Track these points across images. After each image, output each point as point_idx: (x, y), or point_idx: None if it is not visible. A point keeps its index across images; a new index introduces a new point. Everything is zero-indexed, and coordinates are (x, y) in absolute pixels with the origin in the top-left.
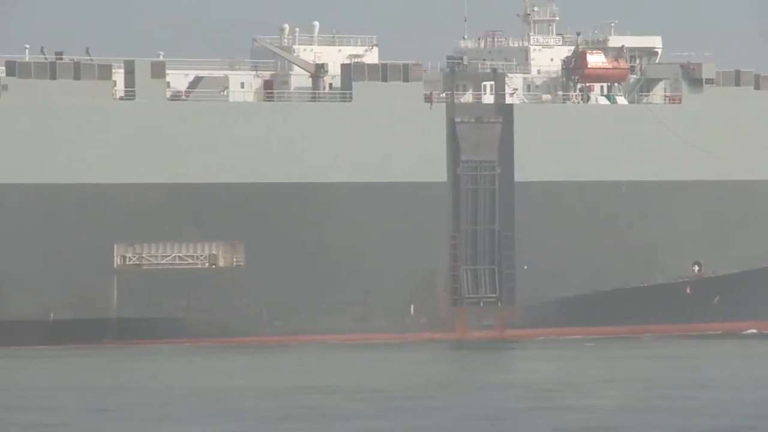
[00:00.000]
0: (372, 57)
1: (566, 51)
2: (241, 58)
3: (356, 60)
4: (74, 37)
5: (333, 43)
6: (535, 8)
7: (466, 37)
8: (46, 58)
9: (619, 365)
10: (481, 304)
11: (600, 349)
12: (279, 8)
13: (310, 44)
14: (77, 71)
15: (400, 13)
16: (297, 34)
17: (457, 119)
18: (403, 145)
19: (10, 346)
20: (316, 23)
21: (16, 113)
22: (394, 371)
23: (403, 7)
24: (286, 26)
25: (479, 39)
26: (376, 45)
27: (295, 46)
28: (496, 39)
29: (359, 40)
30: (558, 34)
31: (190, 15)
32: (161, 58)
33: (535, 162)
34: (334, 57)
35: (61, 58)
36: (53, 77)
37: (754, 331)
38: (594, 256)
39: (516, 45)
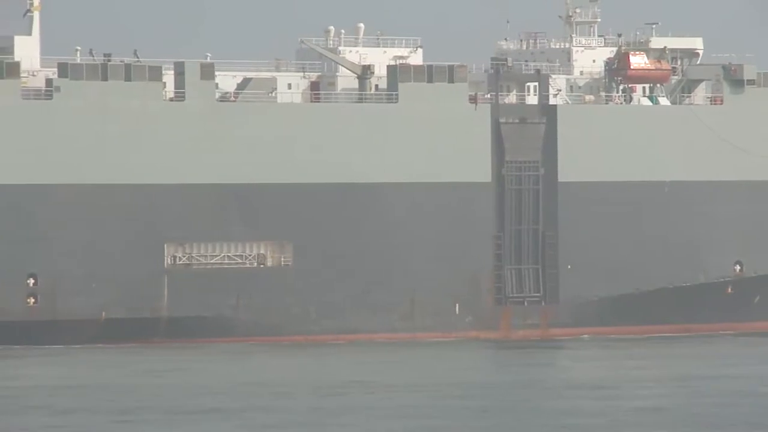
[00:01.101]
0: (416, 58)
1: (608, 52)
2: (286, 59)
3: (401, 61)
4: (121, 39)
5: (378, 45)
6: (577, 10)
7: (508, 38)
8: (95, 60)
9: (679, 363)
10: (525, 304)
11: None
12: (323, 10)
13: (355, 46)
14: (128, 73)
15: (442, 14)
16: (342, 35)
17: (502, 120)
18: (449, 146)
19: (62, 345)
20: (362, 25)
21: (68, 114)
22: (459, 369)
23: (445, 8)
24: (332, 28)
25: (521, 40)
26: (421, 46)
27: (340, 48)
28: (538, 40)
29: (404, 41)
30: (599, 36)
31: (234, 17)
32: (208, 60)
33: (578, 162)
34: (379, 58)
35: (110, 60)
36: (105, 78)
37: None
38: (637, 255)
39: (558, 46)
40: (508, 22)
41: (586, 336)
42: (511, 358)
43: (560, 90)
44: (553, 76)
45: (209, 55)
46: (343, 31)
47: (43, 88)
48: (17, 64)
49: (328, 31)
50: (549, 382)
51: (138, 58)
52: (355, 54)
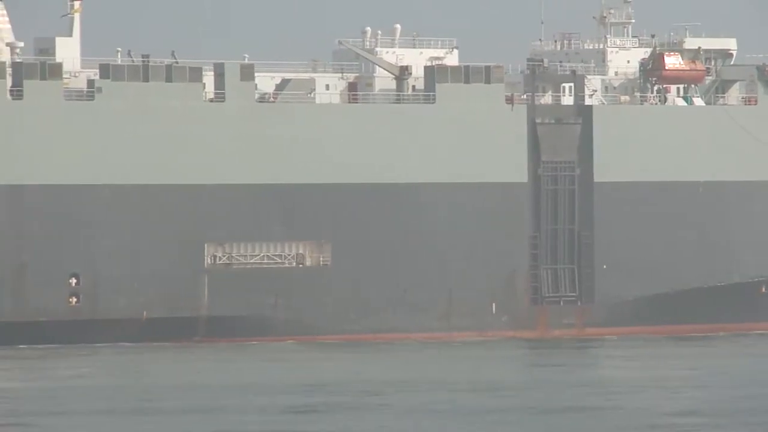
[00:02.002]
0: (452, 59)
1: (642, 53)
2: (322, 60)
3: (437, 62)
4: (158, 40)
5: (413, 46)
6: (611, 11)
7: (542, 39)
8: (133, 61)
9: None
10: (561, 303)
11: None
12: (358, 11)
13: (392, 47)
14: (169, 74)
15: (476, 15)
16: (379, 36)
17: (538, 120)
18: (485, 146)
19: (104, 344)
20: (398, 26)
21: (110, 115)
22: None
23: (479, 9)
24: (368, 29)
25: (555, 41)
26: (457, 47)
27: (377, 49)
28: (572, 41)
29: (439, 42)
30: (633, 37)
31: (270, 18)
32: (246, 61)
33: (614, 162)
34: (416, 59)
35: (148, 61)
36: (146, 79)
37: None
38: (672, 255)
39: (592, 47)
40: (542, 22)
41: (614, 336)
42: (559, 358)
43: (596, 90)
44: (588, 76)
45: (247, 56)
46: (379, 32)
47: (85, 89)
48: (59, 65)
49: (364, 32)
50: (615, 380)
51: (176, 59)
52: (391, 55)
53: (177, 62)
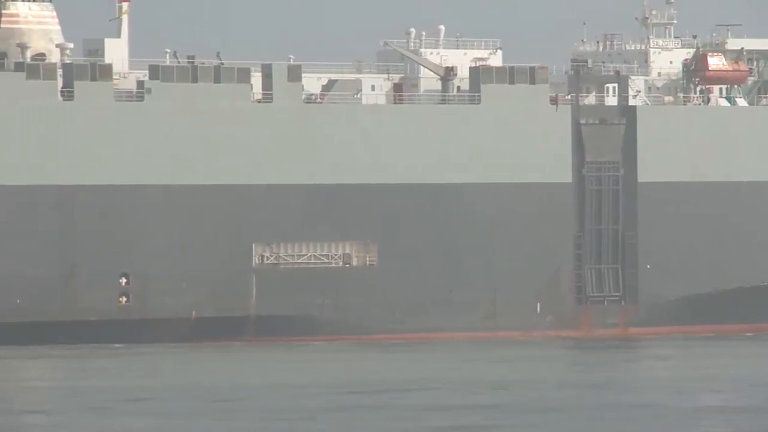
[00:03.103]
0: (496, 60)
1: (684, 54)
2: (366, 61)
3: (481, 63)
4: (202, 41)
5: (457, 47)
6: (654, 12)
7: (584, 40)
8: (179, 62)
9: None
10: (605, 303)
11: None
12: (401, 12)
13: (436, 48)
14: (217, 74)
15: (518, 16)
16: (423, 37)
17: (582, 121)
18: (530, 147)
19: (153, 344)
20: (442, 27)
21: (159, 115)
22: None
23: (521, 11)
24: (413, 30)
25: (598, 42)
26: (500, 48)
27: (421, 50)
28: (614, 42)
29: (482, 43)
30: (675, 37)
31: (314, 19)
32: (292, 62)
33: (657, 163)
34: (460, 60)
35: (193, 62)
36: (194, 80)
37: None
38: (715, 255)
39: (634, 48)
40: (584, 23)
41: (658, 336)
42: (612, 358)
43: (639, 91)
44: (632, 77)
45: (292, 57)
46: (423, 33)
47: (135, 90)
48: (110, 67)
49: (408, 34)
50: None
51: (221, 60)
52: (435, 56)
53: (222, 63)
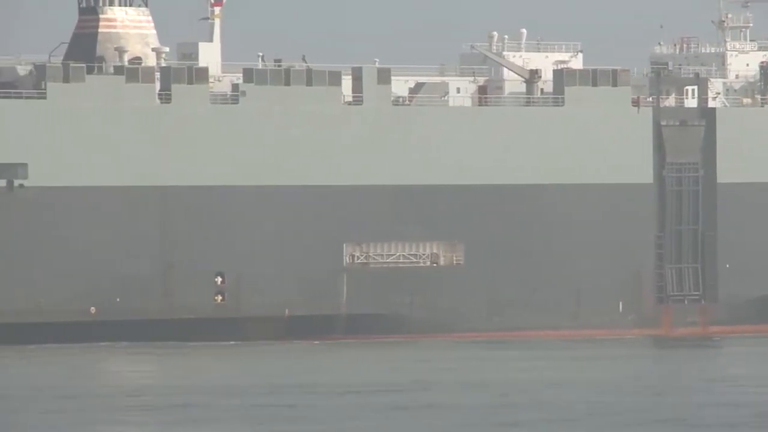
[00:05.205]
0: (577, 63)
1: (761, 56)
2: (450, 64)
3: (563, 65)
4: (288, 44)
5: (538, 50)
6: (729, 15)
7: (662, 43)
8: (265, 65)
9: None
10: (686, 302)
11: None
12: (481, 15)
13: (518, 51)
14: (309, 78)
15: (596, 20)
16: (506, 40)
17: (663, 122)
18: (612, 148)
19: (248, 342)
20: (524, 30)
21: (253, 118)
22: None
23: (599, 14)
24: (495, 33)
25: (675, 45)
26: (581, 51)
27: (504, 53)
28: (691, 45)
29: (563, 46)
30: (751, 40)
31: (398, 22)
32: (377, 65)
33: (737, 164)
34: (542, 63)
35: (280, 65)
36: (287, 83)
37: None
38: None
39: (711, 51)
40: (661, 27)
41: (738, 335)
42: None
43: (719, 93)
44: (710, 79)
45: (377, 60)
46: (506, 36)
47: (229, 93)
48: (206, 70)
49: (491, 37)
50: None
51: (306, 63)
52: (518, 59)
53: (308, 65)
